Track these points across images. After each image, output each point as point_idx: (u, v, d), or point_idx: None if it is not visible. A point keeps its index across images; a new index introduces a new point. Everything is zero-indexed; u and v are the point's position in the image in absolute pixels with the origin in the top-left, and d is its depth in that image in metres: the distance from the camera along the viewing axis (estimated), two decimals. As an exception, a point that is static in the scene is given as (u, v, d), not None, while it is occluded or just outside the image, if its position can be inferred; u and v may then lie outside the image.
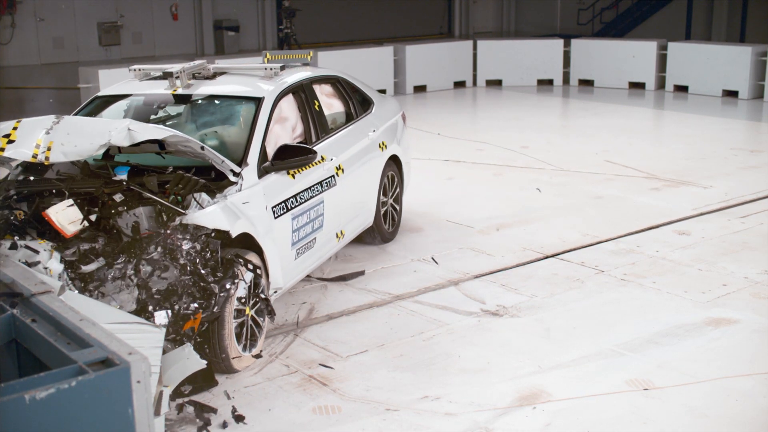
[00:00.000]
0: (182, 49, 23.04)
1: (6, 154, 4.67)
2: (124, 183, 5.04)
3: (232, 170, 5.15)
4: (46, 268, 4.25)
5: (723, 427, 4.36)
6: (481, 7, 28.84)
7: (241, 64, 6.97)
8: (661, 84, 16.41)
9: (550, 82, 17.34)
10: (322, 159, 6.01)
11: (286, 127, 5.96)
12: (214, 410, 4.47)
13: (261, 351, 5.12)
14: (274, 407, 4.58)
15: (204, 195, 4.88)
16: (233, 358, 4.82)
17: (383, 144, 7.09)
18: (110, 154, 5.65)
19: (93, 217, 4.79)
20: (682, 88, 16.07)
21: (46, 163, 4.74)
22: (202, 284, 4.54)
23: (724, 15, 22.96)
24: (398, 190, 7.45)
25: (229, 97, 5.99)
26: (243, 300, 4.88)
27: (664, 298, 6.04)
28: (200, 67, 6.12)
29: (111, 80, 11.07)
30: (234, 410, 4.45)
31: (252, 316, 5.01)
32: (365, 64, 15.80)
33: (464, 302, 6.00)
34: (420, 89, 16.82)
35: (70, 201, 4.74)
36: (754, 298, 6.02)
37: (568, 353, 5.17)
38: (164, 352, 4.09)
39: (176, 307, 4.42)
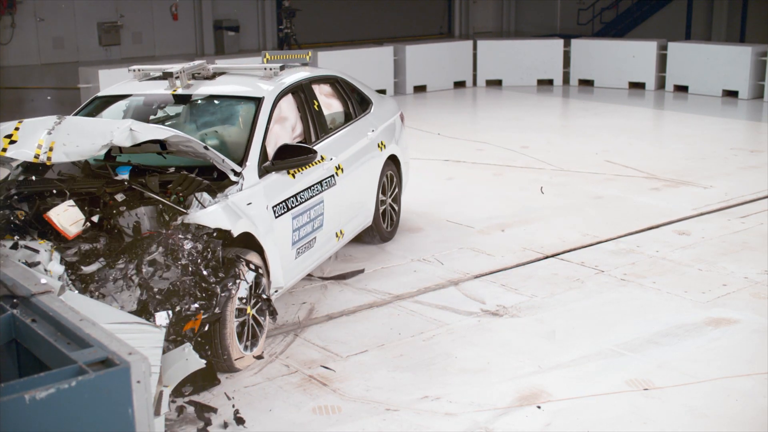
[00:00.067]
0: (182, 49, 23.04)
1: (8, 154, 4.68)
2: (126, 183, 5.05)
3: (233, 170, 5.16)
4: (46, 270, 4.24)
5: (723, 427, 4.36)
6: (481, 7, 28.83)
7: (240, 65, 6.98)
8: (661, 84, 16.41)
9: (550, 82, 17.34)
10: (322, 159, 6.02)
11: (285, 126, 5.97)
12: (214, 410, 4.47)
13: (263, 353, 5.12)
14: (274, 407, 4.58)
15: (205, 194, 4.89)
16: (235, 358, 4.83)
17: (382, 144, 7.10)
18: (111, 154, 5.66)
19: (95, 218, 4.79)
20: (682, 88, 16.07)
21: (48, 164, 4.75)
22: (203, 285, 4.54)
23: (724, 15, 22.96)
24: (397, 189, 7.46)
25: (229, 97, 5.99)
26: (244, 300, 4.89)
27: (664, 298, 6.04)
28: (200, 68, 6.13)
29: (111, 80, 11.07)
30: (236, 412, 4.44)
31: (253, 315, 5.01)
32: (365, 64, 15.80)
33: (464, 302, 6.00)
34: (420, 89, 16.82)
35: (71, 202, 4.74)
36: (754, 298, 6.02)
37: (568, 353, 5.17)
38: (164, 352, 4.09)
39: (177, 307, 4.42)
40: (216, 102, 6.00)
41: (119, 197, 4.92)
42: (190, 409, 4.47)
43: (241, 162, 5.31)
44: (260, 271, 5.02)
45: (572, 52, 17.28)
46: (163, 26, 23.26)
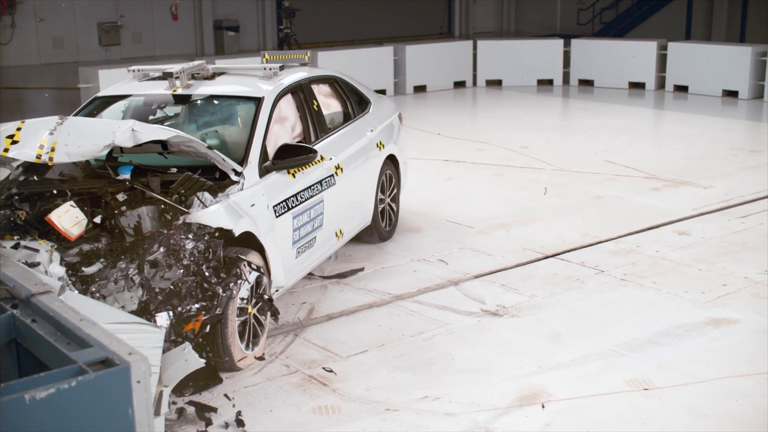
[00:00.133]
0: (182, 49, 23.04)
1: (10, 154, 4.69)
2: (127, 183, 5.05)
3: (234, 169, 5.16)
4: (46, 272, 4.24)
5: (723, 427, 4.36)
6: (481, 7, 28.83)
7: (239, 65, 6.98)
8: (661, 84, 16.41)
9: (550, 82, 17.34)
10: (322, 158, 6.02)
11: (285, 126, 5.97)
12: (214, 410, 4.47)
13: (264, 354, 5.13)
14: (274, 407, 4.58)
15: (207, 194, 4.90)
16: (236, 357, 4.84)
17: (381, 143, 7.11)
18: (113, 154, 5.66)
19: (98, 219, 4.79)
20: (682, 88, 16.06)
21: (50, 164, 4.76)
22: (205, 285, 4.55)
23: (724, 15, 22.96)
24: (395, 189, 7.47)
25: (229, 97, 6.00)
26: (245, 299, 4.89)
27: (664, 298, 6.04)
28: (199, 68, 6.13)
29: (111, 80, 11.07)
30: (239, 414, 4.44)
31: (254, 314, 5.02)
32: (365, 64, 15.79)
33: (464, 302, 6.00)
34: (420, 89, 16.82)
35: (71, 203, 4.74)
36: (754, 298, 6.02)
37: (568, 353, 5.17)
38: (164, 352, 4.09)
39: (179, 308, 4.43)
40: (216, 102, 6.00)
41: (121, 197, 4.92)
42: (191, 410, 4.47)
43: (242, 162, 5.32)
44: (262, 270, 5.02)
45: (572, 52, 17.28)
46: (163, 26, 23.26)
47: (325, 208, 5.99)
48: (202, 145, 4.98)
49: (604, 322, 5.64)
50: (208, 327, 4.61)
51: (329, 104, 6.79)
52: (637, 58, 16.60)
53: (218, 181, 5.15)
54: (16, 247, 4.34)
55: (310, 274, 6.38)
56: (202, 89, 5.97)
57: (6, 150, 4.68)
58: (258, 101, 5.78)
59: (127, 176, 5.13)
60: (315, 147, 5.93)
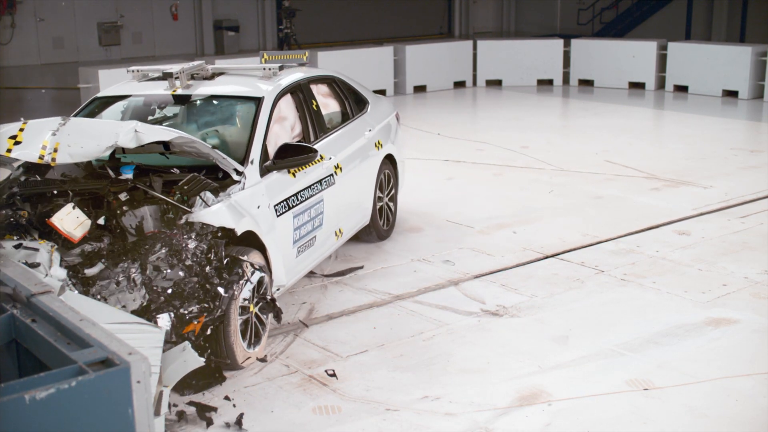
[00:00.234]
0: (182, 49, 23.04)
1: (13, 155, 4.69)
2: (130, 182, 5.05)
3: (235, 169, 5.17)
4: (47, 275, 4.23)
5: (723, 427, 4.36)
6: (481, 7, 28.83)
7: (239, 65, 6.99)
8: (661, 84, 16.41)
9: (550, 82, 17.34)
10: (321, 158, 6.03)
11: (285, 126, 5.98)
12: (214, 409, 4.48)
13: (266, 356, 5.13)
14: (274, 407, 4.58)
15: (209, 193, 4.90)
16: (238, 355, 4.85)
17: (379, 143, 7.13)
18: (115, 155, 5.67)
19: (101, 221, 4.79)
20: (682, 88, 16.06)
21: (52, 165, 4.76)
22: (207, 286, 4.55)
23: (724, 15, 22.96)
24: (393, 188, 7.49)
25: (229, 97, 6.00)
26: (247, 299, 4.90)
27: (664, 298, 6.04)
28: (199, 68, 6.14)
29: (111, 80, 11.07)
30: (241, 416, 4.44)
31: (256, 313, 5.03)
32: (365, 64, 15.79)
33: (464, 302, 6.00)
34: (420, 89, 16.82)
35: (72, 204, 4.74)
36: (754, 298, 6.02)
37: (568, 353, 5.17)
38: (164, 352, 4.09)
39: (181, 310, 4.43)
40: (216, 102, 6.01)
41: (123, 197, 4.92)
42: (191, 410, 4.47)
43: (243, 161, 5.32)
44: (264, 270, 5.03)
45: (572, 52, 17.28)
46: (163, 26, 23.26)
47: (325, 208, 6.00)
48: (205, 145, 4.99)
49: (604, 322, 5.64)
50: (210, 330, 4.62)
51: (328, 104, 6.81)
52: (637, 58, 16.60)
53: (220, 181, 5.16)
54: (17, 247, 4.34)
55: (311, 273, 6.39)
56: (202, 89, 5.98)
57: (9, 150, 4.69)
58: (258, 101, 5.78)
59: (130, 176, 5.14)
60: (315, 147, 5.94)
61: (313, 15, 24.37)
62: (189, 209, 4.75)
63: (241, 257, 4.82)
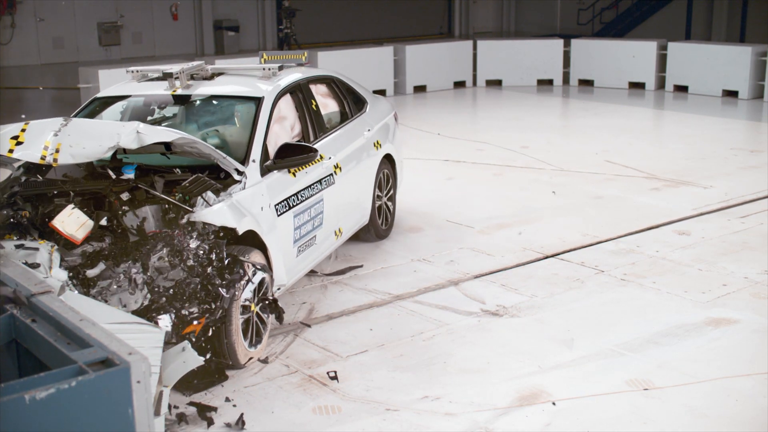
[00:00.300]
0: (182, 49, 23.04)
1: (15, 155, 4.69)
2: (131, 182, 5.05)
3: (236, 169, 5.17)
4: (47, 276, 4.23)
5: (723, 427, 4.36)
6: (481, 7, 28.83)
7: (238, 65, 7.00)
8: (661, 84, 16.40)
9: (550, 82, 17.34)
10: (321, 157, 6.04)
11: (285, 126, 5.99)
12: (214, 409, 4.48)
13: (267, 357, 5.13)
14: (274, 407, 4.58)
15: (210, 193, 4.91)
16: (240, 354, 4.86)
17: (378, 143, 7.15)
18: (116, 156, 5.66)
19: (103, 221, 4.79)
20: (682, 88, 16.06)
21: (54, 165, 4.76)
22: (209, 287, 4.55)
23: (724, 15, 22.96)
24: (392, 188, 7.50)
25: (229, 97, 6.01)
26: (248, 299, 4.90)
27: (664, 298, 6.04)
28: (198, 68, 6.14)
29: (111, 80, 11.07)
30: (241, 416, 4.43)
31: (257, 312, 5.03)
32: (365, 64, 15.79)
33: (464, 302, 6.00)
34: (420, 89, 16.82)
35: (72, 205, 4.74)
36: (754, 298, 6.02)
37: (568, 353, 5.17)
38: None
39: (182, 311, 4.43)
40: (216, 102, 6.01)
41: (125, 197, 4.92)
42: (191, 411, 4.47)
43: (243, 161, 5.33)
44: (266, 270, 5.04)
45: (572, 52, 17.28)
46: (163, 26, 23.26)
47: (325, 207, 6.01)
48: (206, 145, 5.00)
49: (604, 322, 5.64)
50: (210, 331, 4.63)
51: (327, 104, 6.82)
52: (637, 58, 16.60)
53: (221, 181, 5.17)
54: (17, 247, 4.34)
55: (311, 272, 6.39)
56: (202, 89, 5.98)
57: (10, 151, 4.69)
58: (258, 101, 5.79)
59: (131, 176, 5.14)
60: (314, 146, 5.94)
61: (313, 15, 24.37)
62: (191, 209, 4.76)
63: (242, 257, 4.82)
